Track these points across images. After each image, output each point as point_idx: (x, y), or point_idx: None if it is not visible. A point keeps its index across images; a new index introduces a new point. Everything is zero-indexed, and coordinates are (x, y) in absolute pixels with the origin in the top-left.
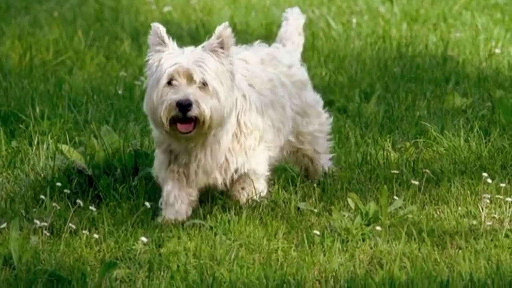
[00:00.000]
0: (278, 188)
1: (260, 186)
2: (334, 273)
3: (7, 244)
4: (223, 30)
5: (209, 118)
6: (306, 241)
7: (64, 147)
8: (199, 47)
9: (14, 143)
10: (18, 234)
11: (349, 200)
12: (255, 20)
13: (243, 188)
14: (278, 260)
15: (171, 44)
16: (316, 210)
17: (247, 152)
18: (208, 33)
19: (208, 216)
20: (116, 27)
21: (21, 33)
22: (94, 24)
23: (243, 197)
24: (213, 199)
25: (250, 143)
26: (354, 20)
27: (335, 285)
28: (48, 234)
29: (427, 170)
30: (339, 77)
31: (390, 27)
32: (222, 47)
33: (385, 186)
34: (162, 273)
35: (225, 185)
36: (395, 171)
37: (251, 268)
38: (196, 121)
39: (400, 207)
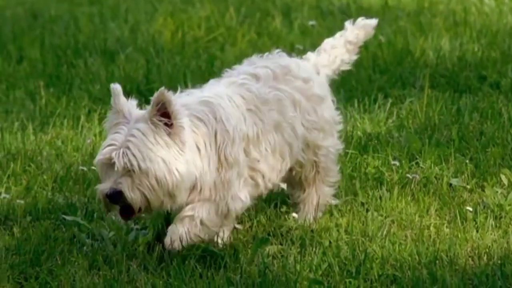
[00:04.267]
0: (431, 164)
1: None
2: (487, 250)
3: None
4: (159, 95)
5: (145, 201)
6: (458, 217)
7: None
8: (143, 115)
9: None
10: None
11: (502, 176)
12: None
13: None
14: (430, 236)
15: (122, 110)
16: (468, 186)
17: (225, 184)
18: (360, 9)
19: (359, 192)
20: (267, 3)
21: (174, 10)
22: (245, 0)
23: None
24: (366, 175)
25: (229, 176)
26: None
27: (488, 262)
28: None
29: None
30: (491, 53)
31: None
32: (163, 114)
33: None
34: (314, 249)
35: None
36: None
37: (403, 245)
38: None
39: None
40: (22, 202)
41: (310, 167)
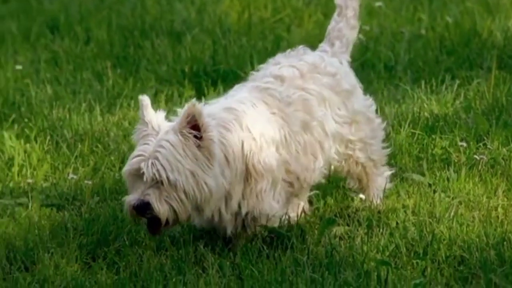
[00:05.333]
0: (499, 145)
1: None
2: None
3: None
4: (190, 108)
5: (173, 214)
6: None
7: None
8: (172, 126)
9: None
10: None
11: None
12: None
13: (249, 232)
14: (498, 217)
15: (151, 122)
16: None
17: (258, 195)
18: None
19: (427, 173)
20: None
21: None
22: None
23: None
24: (433, 156)
25: (261, 186)
26: None
27: None
28: None
29: None
30: None
31: None
32: (193, 126)
33: None
34: (381, 230)
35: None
36: None
37: (470, 226)
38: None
39: None
40: (90, 182)
41: (354, 163)
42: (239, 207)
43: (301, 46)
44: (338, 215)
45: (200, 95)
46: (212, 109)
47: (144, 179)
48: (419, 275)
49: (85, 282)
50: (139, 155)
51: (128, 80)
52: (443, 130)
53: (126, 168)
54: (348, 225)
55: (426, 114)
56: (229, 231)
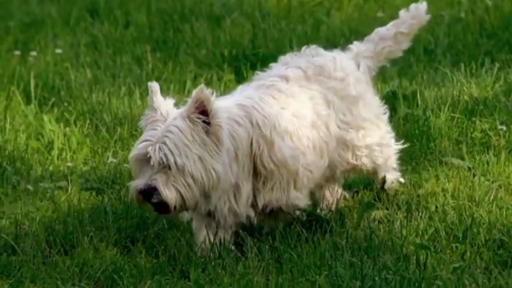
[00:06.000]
0: None
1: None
2: None
3: None
4: (199, 93)
5: (181, 199)
6: None
7: None
8: (180, 112)
9: None
10: None
11: None
12: None
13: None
14: None
15: (160, 108)
16: None
17: (274, 189)
18: None
19: (466, 157)
20: None
21: None
22: None
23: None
24: (473, 140)
25: (275, 181)
26: None
27: None
28: None
29: None
30: None
31: None
32: (202, 112)
33: None
34: (420, 214)
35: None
36: None
37: (510, 209)
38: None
39: None
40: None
41: (359, 170)
42: (256, 201)
43: (313, 46)
44: (377, 198)
45: (240, 79)
46: (223, 104)
47: (151, 163)
48: (458, 259)
49: (124, 266)
50: (146, 140)
51: (168, 64)
52: (483, 114)
53: (133, 153)
54: (387, 208)
55: (465, 97)
56: (254, 222)
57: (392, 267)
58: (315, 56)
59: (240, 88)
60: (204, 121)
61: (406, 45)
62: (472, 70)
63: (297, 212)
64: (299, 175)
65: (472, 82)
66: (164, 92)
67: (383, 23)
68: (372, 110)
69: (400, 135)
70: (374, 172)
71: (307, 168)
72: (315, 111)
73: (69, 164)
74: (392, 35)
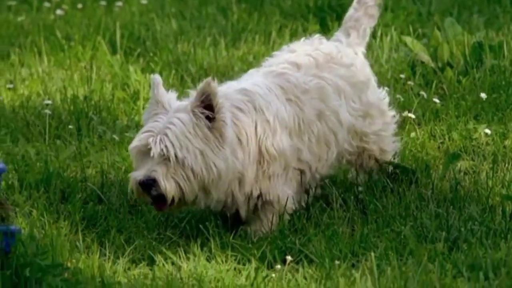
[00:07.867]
0: None
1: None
2: None
3: None
4: (205, 86)
5: (180, 192)
6: None
7: (408, 39)
8: (185, 105)
9: None
10: None
11: None
12: None
13: (262, 216)
14: None
15: (162, 101)
16: None
17: (270, 178)
18: None
19: None
20: None
21: None
22: None
23: (258, 227)
24: None
25: (274, 169)
26: None
27: None
28: None
29: None
30: None
31: None
32: (207, 106)
33: None
34: (506, 165)
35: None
36: None
37: None
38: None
39: None
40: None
41: (367, 157)
42: (251, 189)
43: (317, 35)
44: (463, 149)
45: (325, 30)
46: (225, 91)
47: (151, 154)
48: None
49: (210, 216)
50: (148, 131)
51: (253, 15)
52: None
53: (134, 144)
54: (473, 159)
55: None
56: (243, 214)
57: (478, 218)
58: (320, 44)
59: (250, 72)
60: (208, 116)
61: (377, 16)
62: None
63: (287, 215)
64: (290, 171)
65: None
66: (249, 42)
67: None
68: (376, 95)
69: (486, 86)
70: (378, 162)
71: (297, 168)
72: (324, 101)
73: None
74: (363, 12)
